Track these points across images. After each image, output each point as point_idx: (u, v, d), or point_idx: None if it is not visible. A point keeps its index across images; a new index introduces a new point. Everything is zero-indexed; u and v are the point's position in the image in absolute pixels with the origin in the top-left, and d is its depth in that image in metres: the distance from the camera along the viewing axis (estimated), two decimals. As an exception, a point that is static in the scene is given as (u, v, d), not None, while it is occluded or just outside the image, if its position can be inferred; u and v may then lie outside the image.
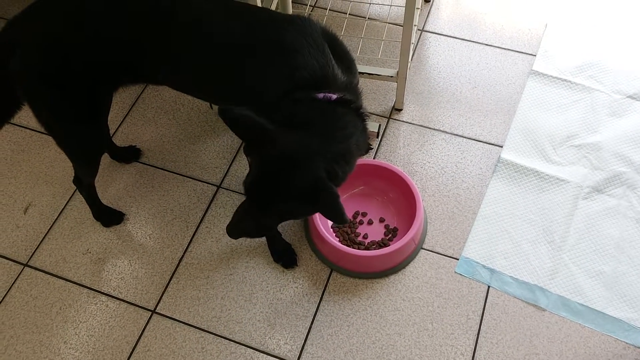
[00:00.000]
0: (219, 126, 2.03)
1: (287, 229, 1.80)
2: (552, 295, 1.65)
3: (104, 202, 1.85)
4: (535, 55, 2.15)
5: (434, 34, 2.25)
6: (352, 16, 2.15)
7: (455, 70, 2.15)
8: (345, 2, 2.18)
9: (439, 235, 1.77)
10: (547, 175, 1.86)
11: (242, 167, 1.94)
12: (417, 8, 2.07)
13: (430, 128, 2.00)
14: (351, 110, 1.37)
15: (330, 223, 1.76)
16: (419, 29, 2.26)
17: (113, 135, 2.03)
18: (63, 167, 1.94)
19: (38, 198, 1.90)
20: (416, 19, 2.04)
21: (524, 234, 1.76)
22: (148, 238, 1.82)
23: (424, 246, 1.75)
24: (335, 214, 1.19)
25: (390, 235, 1.75)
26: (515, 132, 1.97)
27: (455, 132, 1.99)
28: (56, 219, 1.86)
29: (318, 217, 1.70)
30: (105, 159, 1.96)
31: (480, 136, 1.97)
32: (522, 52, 2.17)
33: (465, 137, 1.97)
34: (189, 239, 1.81)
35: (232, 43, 1.34)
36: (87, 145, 1.56)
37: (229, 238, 1.74)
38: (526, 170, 1.87)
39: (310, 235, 1.76)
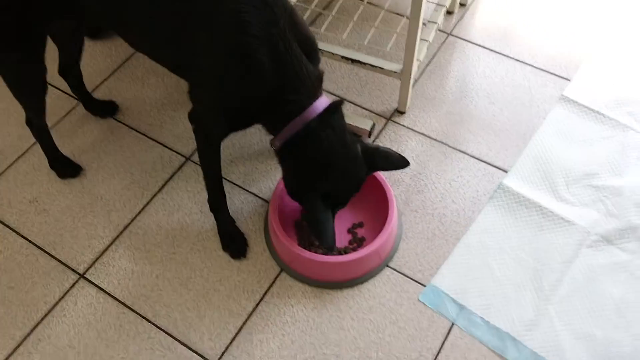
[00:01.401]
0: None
1: (247, 216, 1.62)
2: (525, 350, 1.40)
3: (66, 152, 1.74)
4: (569, 80, 1.90)
5: (462, 40, 2.03)
6: (369, 4, 1.97)
7: (475, 82, 1.92)
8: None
9: (411, 255, 1.55)
10: (551, 212, 1.61)
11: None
12: (443, 6, 1.86)
13: (431, 138, 1.79)
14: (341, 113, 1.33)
15: (292, 218, 1.57)
16: (445, 32, 2.04)
17: (97, 87, 1.92)
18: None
19: (3, 138, 1.80)
20: (440, 18, 1.83)
21: (509, 273, 1.51)
22: (99, 198, 1.68)
23: (391, 264, 1.54)
24: None
25: (355, 245, 1.54)
26: (526, 158, 1.72)
27: (458, 147, 1.76)
28: (14, 161, 1.75)
29: (276, 208, 1.51)
30: (80, 110, 1.85)
31: (486, 156, 1.74)
32: (555, 75, 1.92)
33: (467, 154, 1.75)
34: (141, 207, 1.66)
35: None
36: (25, 78, 1.45)
37: (182, 214, 1.61)
38: (528, 202, 1.63)
39: (267, 227, 1.58)
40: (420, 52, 1.75)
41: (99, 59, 2.00)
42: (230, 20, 1.17)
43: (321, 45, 1.75)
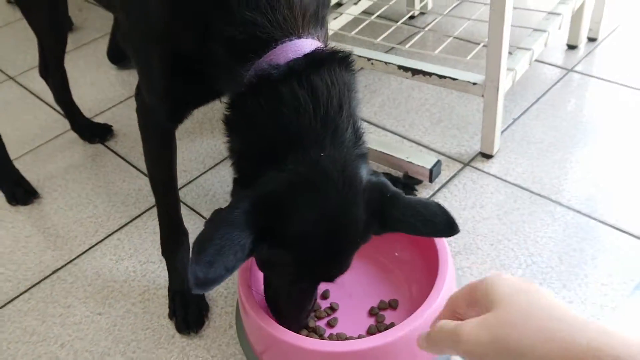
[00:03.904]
0: (208, 129, 1.44)
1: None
2: None
3: (33, 176, 1.36)
4: None
5: (589, 77, 1.41)
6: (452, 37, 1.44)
7: (607, 126, 1.27)
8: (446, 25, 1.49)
9: None
10: None
11: (211, 182, 1.27)
12: (558, 14, 1.29)
13: (532, 192, 1.13)
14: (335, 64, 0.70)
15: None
16: (565, 69, 1.44)
17: (103, 112, 1.56)
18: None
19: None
20: (550, 27, 1.26)
21: None
22: (40, 232, 1.22)
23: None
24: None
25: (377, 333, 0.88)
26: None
27: (575, 207, 1.08)
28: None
29: (249, 267, 0.92)
30: (70, 135, 1.47)
31: (626, 225, 1.03)
32: None
33: (592, 218, 1.05)
34: (87, 247, 1.16)
35: None
36: None
37: (135, 262, 1.12)
38: None
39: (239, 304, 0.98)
40: (518, 63, 1.16)
41: (117, 86, 1.67)
42: None
43: (371, 54, 1.25)
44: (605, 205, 1.08)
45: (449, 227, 0.71)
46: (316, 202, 0.67)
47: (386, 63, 1.22)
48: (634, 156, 1.18)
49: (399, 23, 1.37)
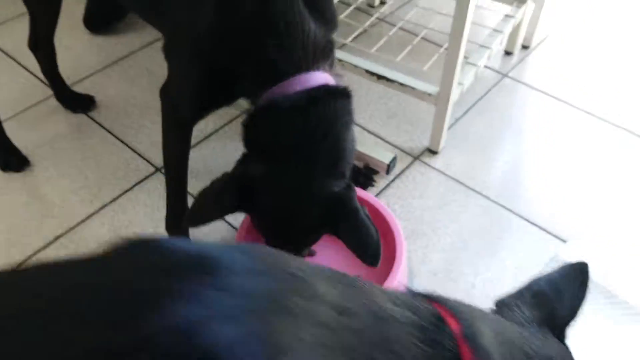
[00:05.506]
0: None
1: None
2: None
3: (19, 144, 1.43)
4: (656, 143, 1.48)
5: (521, 84, 1.66)
6: (410, 23, 1.63)
7: (533, 130, 1.53)
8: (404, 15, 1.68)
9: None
10: (626, 303, 1.15)
11: (199, 159, 1.43)
12: (500, 32, 1.51)
13: (467, 187, 1.38)
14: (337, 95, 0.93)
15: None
16: (501, 73, 1.68)
17: (81, 80, 1.64)
18: None
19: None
20: (494, 44, 1.48)
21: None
22: (38, 199, 1.34)
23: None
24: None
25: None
26: (592, 228, 1.29)
27: (499, 202, 1.34)
28: (-43, 144, 1.46)
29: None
30: (52, 102, 1.56)
31: (537, 219, 1.31)
32: (633, 133, 1.51)
33: (512, 212, 1.32)
34: (84, 217, 1.30)
35: None
36: None
37: (131, 232, 1.28)
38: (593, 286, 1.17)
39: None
40: (465, 76, 1.38)
41: (93, 52, 1.74)
42: None
43: (342, 55, 1.42)
44: (524, 201, 1.35)
45: (373, 258, 0.91)
46: (274, 195, 0.92)
47: (355, 66, 1.41)
48: (549, 159, 1.45)
49: (366, 25, 1.54)
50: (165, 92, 1.08)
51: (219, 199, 0.94)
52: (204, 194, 0.94)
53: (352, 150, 0.95)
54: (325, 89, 0.90)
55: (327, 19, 0.95)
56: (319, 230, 0.96)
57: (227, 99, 1.03)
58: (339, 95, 0.92)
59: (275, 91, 0.90)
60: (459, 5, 1.20)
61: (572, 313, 0.65)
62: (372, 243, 0.92)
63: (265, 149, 0.92)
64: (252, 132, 0.94)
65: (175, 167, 1.14)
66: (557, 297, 0.65)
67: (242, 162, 0.96)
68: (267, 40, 0.88)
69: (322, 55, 0.92)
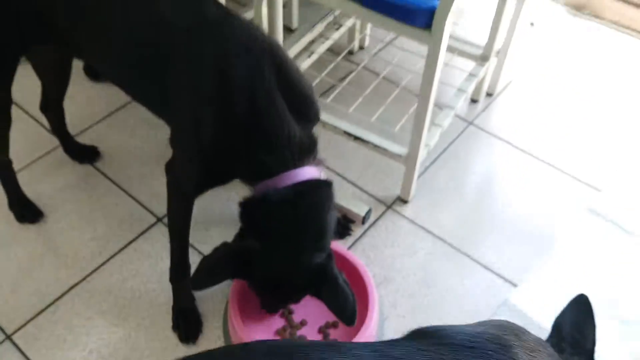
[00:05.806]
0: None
1: (211, 295, 1.41)
2: None
3: (32, 194, 1.59)
4: (600, 191, 1.68)
5: (484, 132, 1.85)
6: (385, 79, 1.81)
7: (493, 179, 1.72)
8: (382, 63, 1.86)
9: (389, 371, 1.30)
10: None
11: (198, 206, 1.60)
12: (464, 91, 1.69)
13: (433, 235, 1.57)
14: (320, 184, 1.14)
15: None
16: (467, 121, 1.87)
17: (84, 131, 1.79)
18: None
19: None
20: (458, 104, 1.67)
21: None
22: (53, 250, 1.51)
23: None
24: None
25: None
26: (540, 274, 1.48)
27: (463, 250, 1.54)
28: (-26, 196, 1.61)
29: (239, 291, 1.30)
30: (59, 152, 1.71)
31: (494, 265, 1.51)
32: (586, 184, 1.71)
33: (472, 259, 1.52)
34: (95, 267, 1.47)
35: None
36: None
37: (138, 282, 1.43)
38: (538, 328, 1.37)
39: (226, 311, 1.36)
40: (431, 138, 1.57)
41: (94, 101, 1.89)
42: (211, 65, 1.07)
43: (324, 116, 1.59)
44: (484, 247, 1.54)
45: (349, 319, 1.13)
46: (268, 267, 1.13)
47: (335, 127, 1.58)
48: (504, 208, 1.64)
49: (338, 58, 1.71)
50: (171, 169, 1.25)
51: (220, 267, 1.14)
52: (206, 261, 1.14)
53: (332, 227, 1.14)
54: (309, 184, 1.09)
55: (310, 118, 1.15)
56: (304, 291, 1.16)
57: (226, 180, 1.20)
58: (321, 186, 1.11)
59: (267, 184, 1.09)
60: (425, 80, 1.37)
61: (593, 343, 0.87)
62: (349, 306, 1.12)
63: (259, 230, 1.12)
64: (248, 214, 1.14)
65: (179, 231, 1.31)
66: (582, 336, 0.88)
67: (240, 236, 1.15)
68: (262, 146, 1.08)
69: (307, 152, 1.12)
